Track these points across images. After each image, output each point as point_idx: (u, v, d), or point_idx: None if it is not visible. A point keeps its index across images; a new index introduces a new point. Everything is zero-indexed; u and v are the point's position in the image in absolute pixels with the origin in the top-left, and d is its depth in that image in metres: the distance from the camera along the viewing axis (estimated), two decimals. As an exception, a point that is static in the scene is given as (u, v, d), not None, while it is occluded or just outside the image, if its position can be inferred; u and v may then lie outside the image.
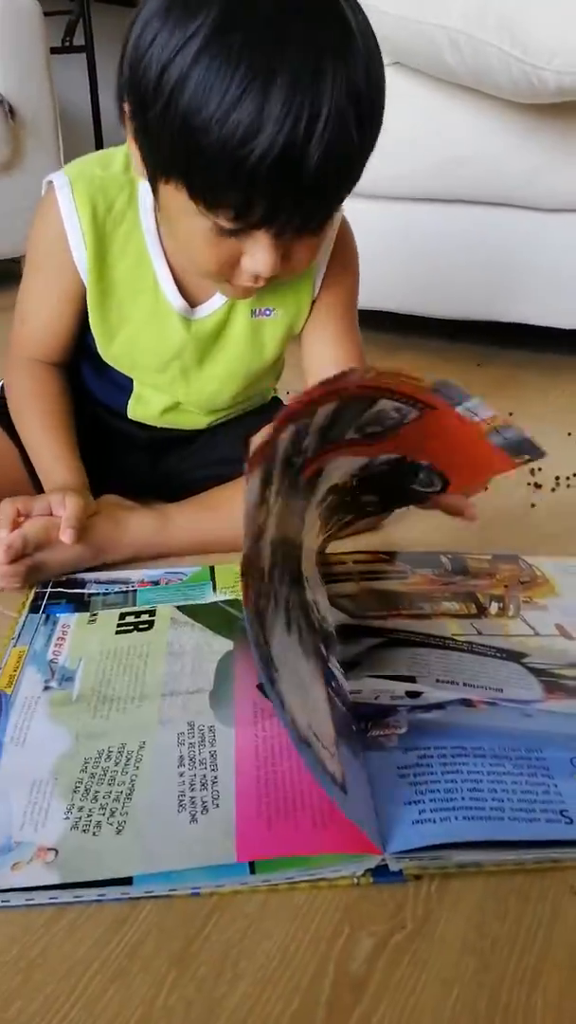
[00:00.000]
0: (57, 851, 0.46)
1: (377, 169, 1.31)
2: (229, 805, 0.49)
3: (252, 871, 0.45)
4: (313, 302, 0.79)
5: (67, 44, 2.62)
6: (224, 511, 0.78)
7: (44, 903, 0.44)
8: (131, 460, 0.83)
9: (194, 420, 0.83)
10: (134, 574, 0.74)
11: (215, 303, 0.76)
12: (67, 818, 0.48)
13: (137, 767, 0.52)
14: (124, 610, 0.68)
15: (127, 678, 0.60)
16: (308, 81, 0.51)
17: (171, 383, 0.79)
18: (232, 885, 0.45)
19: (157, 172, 0.60)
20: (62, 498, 0.70)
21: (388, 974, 0.41)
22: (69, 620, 0.67)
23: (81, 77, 2.61)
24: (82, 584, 0.72)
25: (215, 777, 0.51)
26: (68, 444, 0.78)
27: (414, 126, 1.28)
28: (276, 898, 0.45)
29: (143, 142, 0.59)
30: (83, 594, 0.71)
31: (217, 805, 0.49)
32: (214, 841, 0.47)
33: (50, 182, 0.73)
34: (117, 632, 0.66)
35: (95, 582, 0.73)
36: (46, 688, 0.60)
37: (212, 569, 0.75)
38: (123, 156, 0.72)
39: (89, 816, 0.48)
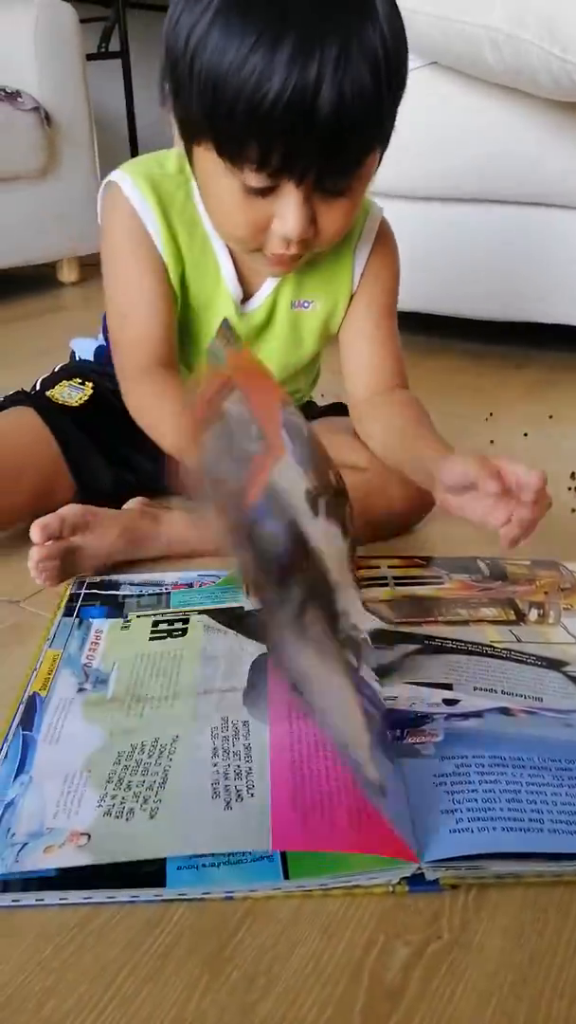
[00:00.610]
0: (90, 835, 0.46)
1: (413, 169, 1.33)
2: (264, 795, 0.48)
3: (286, 876, 0.45)
4: (351, 298, 0.79)
5: (103, 50, 2.65)
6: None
7: (78, 902, 0.44)
8: (159, 457, 0.83)
9: None
10: (168, 576, 0.75)
11: (261, 296, 0.77)
12: (100, 805, 0.48)
13: (171, 758, 0.52)
14: (157, 617, 0.68)
15: (161, 680, 0.60)
16: (317, 30, 0.55)
17: None
18: (265, 890, 0.45)
19: (189, 135, 0.63)
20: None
21: (424, 984, 0.41)
22: (103, 626, 0.67)
23: (117, 83, 2.64)
24: (116, 586, 0.72)
25: (250, 768, 0.51)
26: None
27: (449, 126, 1.27)
28: (310, 904, 0.45)
29: (176, 108, 0.62)
30: (117, 596, 0.71)
31: (252, 794, 0.48)
32: (249, 828, 0.46)
33: (110, 182, 0.75)
34: (151, 639, 0.66)
35: (129, 584, 0.73)
36: (80, 690, 0.60)
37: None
38: (175, 157, 0.74)
39: (123, 803, 0.48)
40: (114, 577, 0.74)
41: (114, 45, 2.64)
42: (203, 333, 0.79)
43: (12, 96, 1.85)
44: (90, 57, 2.20)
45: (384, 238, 0.81)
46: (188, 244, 0.75)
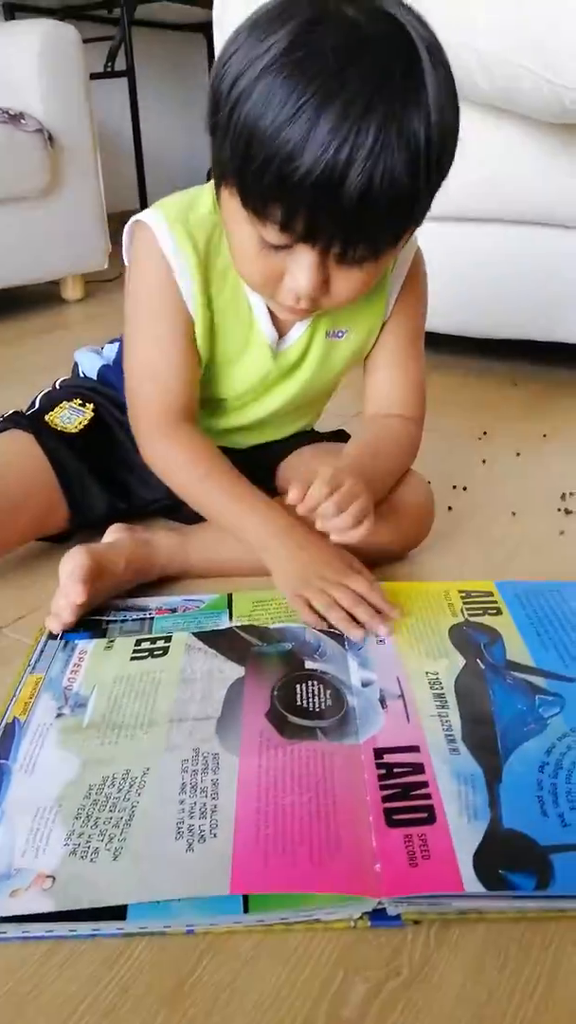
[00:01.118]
0: (55, 878, 0.47)
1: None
2: (227, 835, 0.49)
3: (246, 910, 0.45)
4: (384, 325, 0.81)
5: (109, 69, 2.68)
6: None
7: (40, 935, 0.45)
8: (155, 480, 0.84)
9: (232, 442, 0.84)
10: (152, 601, 0.75)
11: (298, 331, 0.77)
12: (67, 844, 0.49)
13: (139, 793, 0.52)
14: (140, 636, 0.69)
15: (138, 704, 0.61)
16: (359, 112, 0.53)
17: (243, 407, 0.81)
18: (226, 924, 0.45)
19: (220, 174, 0.62)
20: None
21: (380, 1022, 0.41)
22: (87, 646, 0.68)
23: (123, 101, 2.67)
24: (100, 611, 0.73)
25: (215, 806, 0.51)
26: (261, 496, 0.74)
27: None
28: (271, 939, 0.45)
29: (213, 144, 0.61)
30: (101, 621, 0.72)
31: (215, 835, 0.49)
32: (209, 872, 0.46)
33: (137, 221, 0.74)
34: (132, 658, 0.66)
35: (114, 609, 0.73)
36: (58, 715, 0.60)
37: (230, 597, 0.75)
38: (209, 194, 0.71)
39: (88, 842, 0.49)
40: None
41: (120, 64, 2.66)
42: (237, 376, 0.78)
43: (15, 118, 1.88)
44: (96, 76, 2.23)
45: (417, 266, 0.81)
46: (220, 289, 0.74)
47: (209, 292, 0.74)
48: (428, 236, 1.41)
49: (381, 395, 0.84)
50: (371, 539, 0.77)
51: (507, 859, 0.47)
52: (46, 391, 0.90)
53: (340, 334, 0.79)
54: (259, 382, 0.79)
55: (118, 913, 0.45)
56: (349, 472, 0.69)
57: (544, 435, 1.23)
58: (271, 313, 0.75)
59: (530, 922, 0.46)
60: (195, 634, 0.69)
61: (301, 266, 0.61)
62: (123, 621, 0.72)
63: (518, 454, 1.15)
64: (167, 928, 0.45)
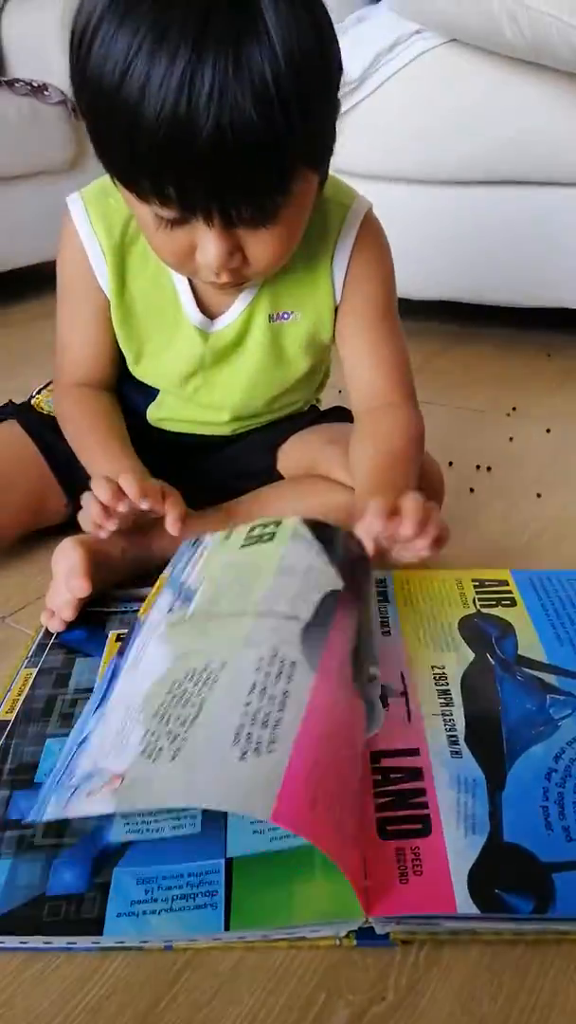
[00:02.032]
0: (123, 778, 0.44)
1: (434, 152, 1.28)
2: (283, 757, 0.42)
3: (227, 926, 0.43)
4: (337, 308, 0.75)
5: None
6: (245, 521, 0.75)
7: (15, 947, 0.43)
8: (153, 463, 0.82)
9: (216, 428, 0.81)
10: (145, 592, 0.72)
11: (232, 314, 0.73)
12: (141, 743, 0.46)
13: (211, 688, 0.47)
14: (254, 523, 0.64)
15: (234, 593, 0.56)
16: (187, 56, 0.49)
17: (195, 392, 0.77)
18: (206, 940, 0.43)
19: (102, 163, 0.59)
20: (160, 490, 0.68)
21: (361, 1052, 0.38)
22: (209, 541, 0.65)
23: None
24: (99, 604, 0.70)
25: (279, 719, 0.45)
26: (126, 451, 0.75)
27: (471, 105, 1.21)
28: (252, 957, 0.43)
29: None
30: (101, 613, 0.69)
31: (271, 751, 0.43)
32: (255, 789, 0.41)
33: (67, 205, 0.72)
34: (242, 546, 0.62)
35: (113, 600, 0.71)
36: (169, 610, 0.58)
37: None
38: None
39: (157, 741, 0.45)
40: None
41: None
42: (171, 360, 0.75)
43: (38, 89, 1.85)
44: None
45: (369, 236, 0.74)
46: (139, 273, 0.72)
47: (126, 277, 0.72)
48: (451, 201, 1.36)
49: (362, 385, 0.77)
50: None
51: (505, 878, 0.44)
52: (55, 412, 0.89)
53: (285, 316, 0.74)
54: (195, 366, 0.75)
55: (95, 927, 0.43)
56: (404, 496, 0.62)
57: (578, 409, 1.17)
58: (196, 296, 0.72)
59: (528, 945, 0.43)
60: (305, 521, 0.62)
61: (205, 239, 0.58)
62: (123, 612, 0.70)
63: (548, 431, 1.10)
64: (144, 943, 0.43)
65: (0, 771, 0.54)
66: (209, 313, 0.73)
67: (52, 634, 0.67)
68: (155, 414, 0.81)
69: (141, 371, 0.78)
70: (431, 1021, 0.39)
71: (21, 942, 0.43)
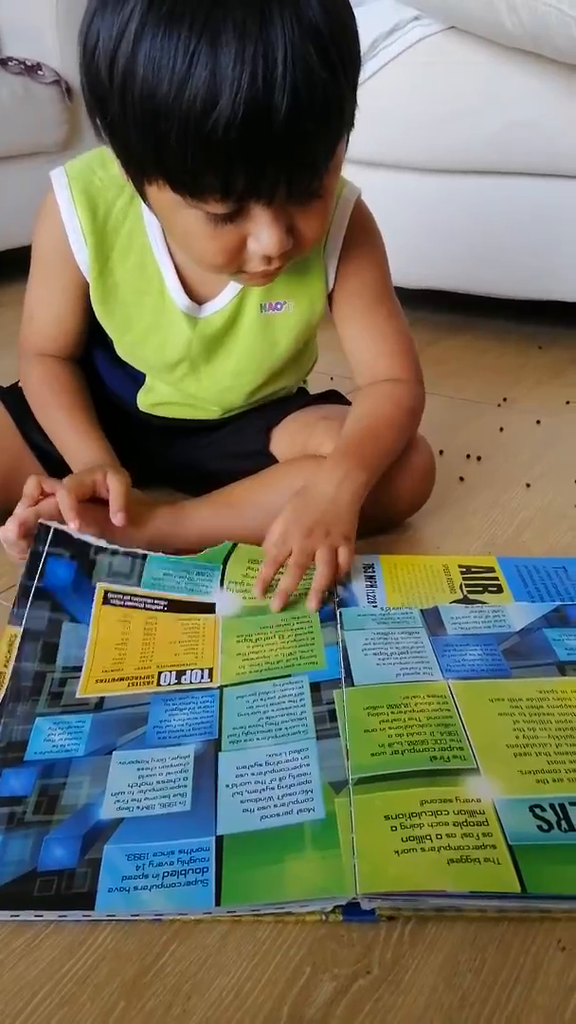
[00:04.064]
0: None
1: (431, 140, 1.27)
2: None
3: (218, 901, 0.43)
4: (331, 294, 0.75)
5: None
6: (240, 508, 0.76)
7: (5, 920, 0.44)
8: (145, 447, 0.82)
9: (206, 413, 0.81)
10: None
11: (222, 300, 0.73)
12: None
13: None
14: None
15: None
16: (255, 30, 0.47)
17: (182, 379, 0.77)
18: (195, 914, 0.44)
19: (137, 174, 0.57)
20: (103, 478, 0.69)
21: (345, 1023, 0.39)
22: None
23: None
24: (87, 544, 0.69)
25: None
26: (91, 423, 0.77)
27: (472, 94, 1.21)
28: (239, 930, 0.43)
29: (116, 146, 0.56)
30: (91, 548, 0.68)
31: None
32: None
33: (51, 179, 0.71)
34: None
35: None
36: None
37: (227, 557, 0.71)
38: None
39: None
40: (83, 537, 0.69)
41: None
42: (157, 346, 0.75)
43: (32, 69, 1.83)
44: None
45: (361, 222, 0.74)
46: (123, 258, 0.71)
47: (109, 258, 0.71)
48: (448, 190, 1.36)
49: (366, 366, 0.78)
50: (367, 504, 0.75)
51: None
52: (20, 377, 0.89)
53: (278, 306, 0.73)
54: (183, 354, 0.74)
55: (86, 901, 0.43)
56: (286, 522, 0.67)
57: (567, 402, 1.18)
58: (184, 281, 0.71)
59: (511, 922, 0.43)
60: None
61: (262, 225, 0.56)
62: (113, 553, 0.69)
63: (538, 422, 1.10)
64: (135, 916, 0.44)
65: None
66: (196, 298, 0.73)
67: (37, 567, 0.66)
68: (145, 400, 0.81)
69: (127, 354, 0.77)
70: (415, 995, 0.40)
71: (12, 915, 0.44)
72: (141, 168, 0.56)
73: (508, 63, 1.16)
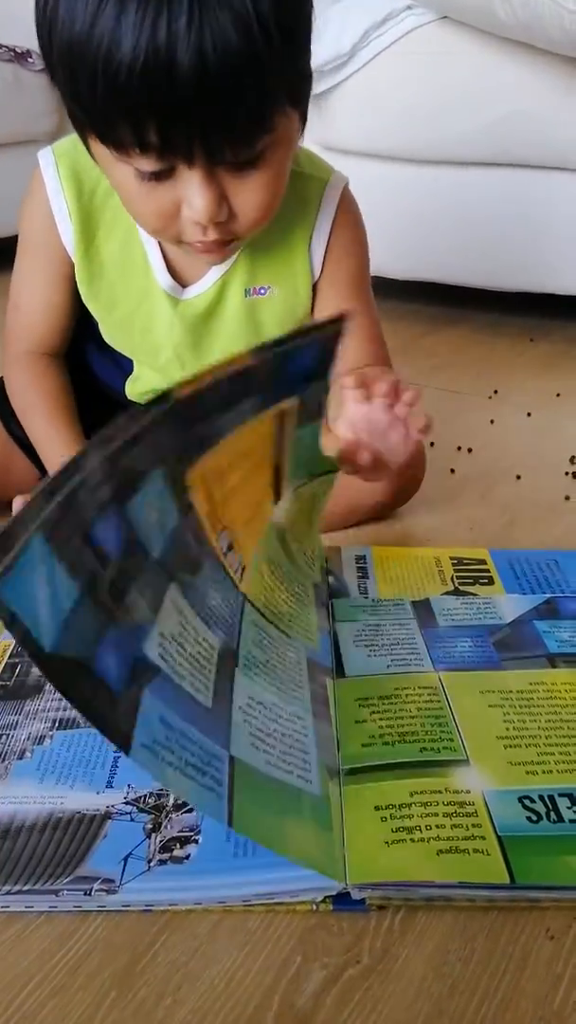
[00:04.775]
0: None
1: (422, 130, 1.27)
2: None
3: (230, 822, 0.40)
4: (315, 284, 0.75)
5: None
6: None
7: (-5, 909, 0.44)
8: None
9: None
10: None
11: (205, 283, 0.72)
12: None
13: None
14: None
15: None
16: None
17: (167, 365, 0.77)
18: (186, 904, 0.44)
19: (76, 125, 0.58)
20: None
21: (335, 1012, 0.39)
22: None
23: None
24: None
25: None
26: (75, 432, 0.76)
27: (463, 84, 1.21)
28: (230, 920, 0.43)
29: (57, 88, 0.57)
30: None
31: None
32: None
33: (38, 158, 0.71)
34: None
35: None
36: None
37: None
38: None
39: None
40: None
41: None
42: (137, 328, 0.75)
43: (22, 56, 1.81)
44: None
45: (347, 211, 0.74)
46: (108, 237, 0.71)
47: (95, 238, 0.71)
48: (438, 181, 1.36)
49: (345, 353, 0.79)
50: (359, 493, 0.75)
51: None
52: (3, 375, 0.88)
53: (262, 291, 0.73)
54: (165, 337, 0.74)
55: (124, 741, 0.38)
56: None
57: (558, 395, 1.18)
58: (168, 262, 0.71)
59: (501, 911, 0.44)
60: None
61: (190, 188, 0.56)
62: None
63: (529, 414, 1.11)
64: (125, 906, 0.44)
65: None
66: (181, 280, 0.72)
67: None
68: (133, 389, 0.81)
69: (112, 337, 0.77)
70: (405, 983, 0.40)
71: (2, 906, 0.43)
72: (74, 117, 0.57)
73: (501, 53, 1.15)
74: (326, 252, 0.74)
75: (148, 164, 0.55)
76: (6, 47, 1.80)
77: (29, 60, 1.82)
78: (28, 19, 1.89)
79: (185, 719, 0.42)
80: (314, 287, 0.75)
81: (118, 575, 0.40)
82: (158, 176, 0.56)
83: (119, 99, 0.51)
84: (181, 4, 0.48)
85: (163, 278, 0.72)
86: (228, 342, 0.75)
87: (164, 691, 0.42)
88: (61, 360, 0.79)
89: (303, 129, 0.63)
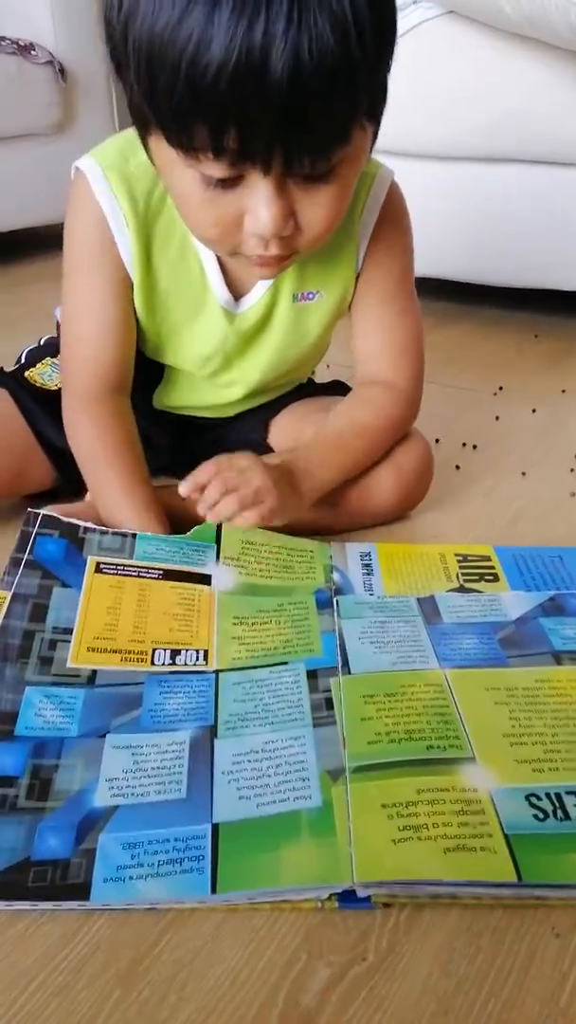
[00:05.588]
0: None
1: (426, 125, 1.26)
2: None
3: (214, 889, 0.43)
4: (358, 277, 0.73)
5: None
6: None
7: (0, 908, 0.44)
8: (152, 437, 0.80)
9: (221, 411, 0.80)
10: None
11: (257, 293, 0.71)
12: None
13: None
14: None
15: None
16: None
17: (212, 375, 0.75)
18: (191, 903, 0.43)
19: (139, 123, 0.56)
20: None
21: (341, 1010, 0.39)
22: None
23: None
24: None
25: None
26: (149, 493, 0.71)
27: (469, 79, 1.20)
28: (235, 918, 0.43)
29: (124, 86, 0.54)
30: (79, 528, 0.68)
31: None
32: None
33: (78, 169, 0.67)
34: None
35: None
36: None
37: (219, 529, 0.70)
38: None
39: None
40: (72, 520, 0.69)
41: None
42: (191, 343, 0.72)
43: (25, 49, 1.80)
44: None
45: (394, 207, 0.72)
46: (164, 248, 0.68)
47: (151, 249, 0.67)
48: (442, 177, 1.35)
49: (367, 361, 0.76)
50: (366, 499, 0.74)
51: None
52: (32, 347, 0.87)
53: (311, 296, 0.71)
54: (217, 349, 0.72)
55: (81, 892, 0.43)
56: (250, 456, 0.66)
57: (563, 391, 1.17)
58: (224, 273, 0.69)
59: (506, 909, 0.44)
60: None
61: (258, 199, 0.53)
62: (102, 533, 0.68)
63: (534, 411, 1.10)
64: (130, 905, 0.43)
65: None
66: (235, 291, 0.70)
67: (27, 544, 0.65)
68: (163, 400, 0.80)
69: (155, 350, 0.74)
70: (411, 981, 0.40)
71: (6, 904, 0.43)
72: (140, 115, 0.54)
73: (507, 49, 1.15)
74: (368, 250, 0.72)
75: (218, 170, 0.52)
76: (9, 39, 1.80)
77: (32, 53, 1.82)
78: (31, 12, 1.88)
79: (155, 826, 0.46)
80: (356, 281, 0.73)
81: (34, 779, 0.49)
82: (225, 184, 0.53)
83: (201, 101, 0.48)
84: (281, 5, 0.45)
85: (220, 292, 0.69)
86: (275, 348, 0.74)
87: (124, 820, 0.47)
88: (128, 400, 0.73)
89: (372, 148, 0.60)
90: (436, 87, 1.22)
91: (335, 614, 0.63)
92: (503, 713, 0.53)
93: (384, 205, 0.71)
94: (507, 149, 1.23)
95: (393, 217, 0.72)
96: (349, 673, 0.57)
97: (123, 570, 0.65)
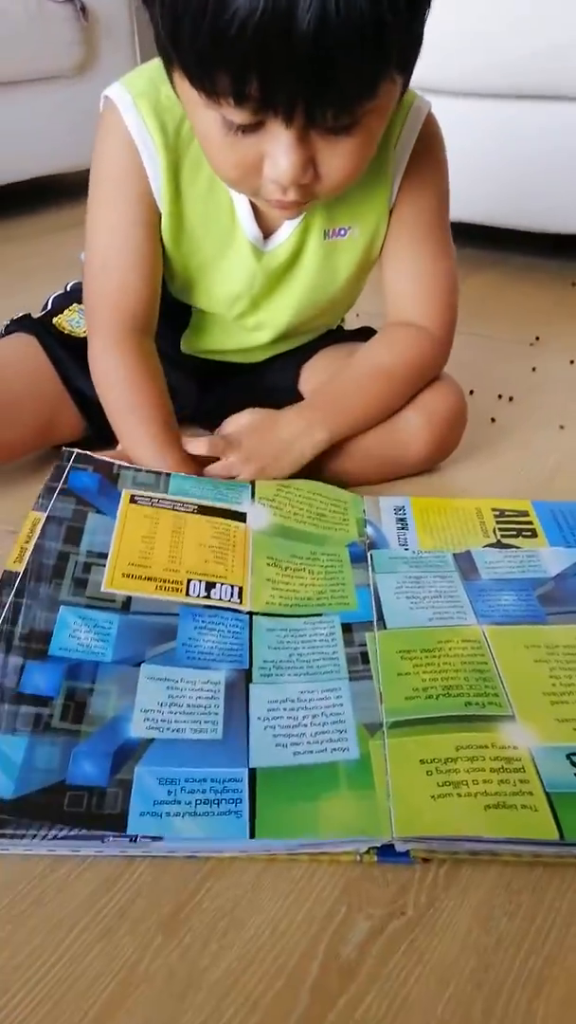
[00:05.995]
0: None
1: (465, 61, 1.21)
2: None
3: (252, 834, 0.43)
4: (391, 213, 0.70)
5: None
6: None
7: (42, 853, 0.44)
8: (178, 383, 0.79)
9: (249, 356, 0.78)
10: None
11: (286, 231, 0.69)
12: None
13: None
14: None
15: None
16: None
17: (240, 316, 0.74)
18: (230, 851, 0.44)
19: (165, 60, 0.54)
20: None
21: (380, 962, 0.39)
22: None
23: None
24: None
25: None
26: (172, 443, 0.69)
27: (507, 10, 1.14)
28: (274, 868, 0.43)
29: (151, 20, 0.53)
30: (113, 465, 0.67)
31: None
32: None
33: (107, 98, 0.66)
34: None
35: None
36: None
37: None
38: None
39: None
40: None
41: None
42: (219, 281, 0.71)
43: (46, -16, 1.74)
44: None
45: (430, 139, 0.69)
46: (193, 180, 0.66)
47: (179, 181, 0.66)
48: (480, 116, 1.29)
49: (398, 300, 0.74)
50: (395, 448, 0.73)
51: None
52: (58, 292, 0.85)
53: (342, 232, 0.69)
54: (246, 288, 0.71)
55: (118, 823, 0.43)
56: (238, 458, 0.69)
57: (601, 342, 1.14)
58: (254, 209, 0.67)
59: (546, 867, 0.43)
60: None
61: (278, 146, 0.52)
62: (136, 471, 0.68)
63: (572, 362, 1.07)
64: (171, 852, 0.44)
65: (11, 634, 0.52)
66: (264, 228, 0.69)
67: (61, 476, 0.65)
68: (190, 344, 0.78)
69: (182, 289, 0.73)
70: (450, 937, 0.40)
71: (49, 849, 0.44)
72: (165, 52, 0.53)
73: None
74: (401, 184, 0.69)
75: (240, 116, 0.51)
76: (29, -25, 1.74)
77: (53, -11, 1.75)
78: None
79: (192, 764, 0.46)
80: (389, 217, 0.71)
81: (68, 700, 0.49)
82: (246, 129, 0.53)
83: (224, 49, 0.47)
84: None
85: (250, 228, 0.68)
86: (304, 287, 0.72)
87: (160, 754, 0.47)
88: (153, 343, 0.72)
89: (403, 94, 0.59)
90: (474, 19, 1.17)
91: (369, 568, 0.62)
92: (543, 671, 0.52)
93: (420, 137, 0.69)
94: (548, 85, 1.18)
95: (429, 151, 0.70)
96: (385, 628, 0.56)
97: (158, 502, 0.65)
